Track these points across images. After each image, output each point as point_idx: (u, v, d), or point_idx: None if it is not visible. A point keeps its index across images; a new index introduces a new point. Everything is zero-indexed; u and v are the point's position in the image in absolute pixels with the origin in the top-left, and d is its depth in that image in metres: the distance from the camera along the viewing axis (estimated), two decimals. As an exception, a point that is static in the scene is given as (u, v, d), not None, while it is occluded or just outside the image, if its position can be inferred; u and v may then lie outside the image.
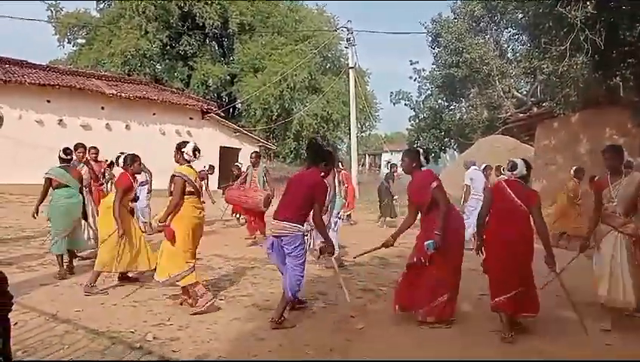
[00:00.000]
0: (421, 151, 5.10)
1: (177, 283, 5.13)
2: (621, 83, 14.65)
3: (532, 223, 4.72)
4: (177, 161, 5.27)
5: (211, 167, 12.65)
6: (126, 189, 5.85)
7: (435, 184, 4.83)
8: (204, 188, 12.26)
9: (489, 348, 4.40)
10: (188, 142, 5.33)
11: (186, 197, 5.08)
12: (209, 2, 27.93)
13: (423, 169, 5.06)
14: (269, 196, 9.25)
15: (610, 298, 4.87)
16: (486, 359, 4.22)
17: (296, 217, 4.70)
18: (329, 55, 31.76)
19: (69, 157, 6.65)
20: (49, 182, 6.50)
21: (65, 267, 6.38)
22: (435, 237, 4.66)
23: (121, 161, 6.21)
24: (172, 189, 5.11)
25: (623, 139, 13.48)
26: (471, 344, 4.49)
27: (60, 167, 6.56)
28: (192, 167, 5.23)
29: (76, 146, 7.49)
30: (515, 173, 4.87)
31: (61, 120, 17.44)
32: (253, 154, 9.88)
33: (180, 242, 5.02)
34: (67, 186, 6.47)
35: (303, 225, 4.73)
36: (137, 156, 6.09)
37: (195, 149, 5.23)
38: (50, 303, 5.13)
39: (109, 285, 5.97)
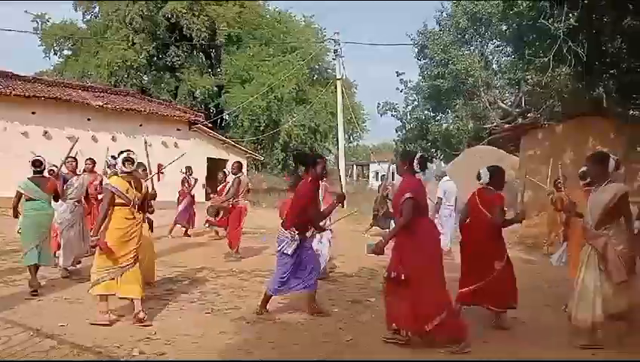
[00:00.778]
0: (417, 155, 4.75)
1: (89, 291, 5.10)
2: (604, 93, 14.88)
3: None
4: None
5: (188, 168, 12.47)
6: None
7: (407, 195, 4.48)
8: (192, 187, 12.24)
9: (485, 354, 4.39)
10: (123, 152, 5.22)
11: (116, 208, 5.03)
12: (196, 13, 28.00)
13: (416, 175, 4.74)
14: (211, 206, 9.27)
15: (578, 318, 4.58)
16: (486, 359, 4.22)
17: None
18: (316, 66, 31.94)
19: (38, 169, 6.54)
20: (19, 194, 6.51)
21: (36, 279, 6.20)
22: (380, 243, 4.62)
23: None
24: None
25: (606, 149, 13.61)
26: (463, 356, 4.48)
27: (30, 178, 6.49)
28: (124, 178, 5.10)
29: (67, 158, 7.45)
30: (480, 181, 5.39)
31: (47, 131, 17.28)
32: (235, 164, 9.90)
33: (116, 247, 4.97)
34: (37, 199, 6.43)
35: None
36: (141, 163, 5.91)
37: (126, 160, 5.12)
38: (34, 318, 5.05)
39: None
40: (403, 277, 4.42)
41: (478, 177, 5.44)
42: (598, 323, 4.47)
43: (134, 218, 5.12)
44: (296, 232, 5.27)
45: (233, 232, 9.25)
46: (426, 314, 4.36)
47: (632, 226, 4.63)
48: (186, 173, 12.30)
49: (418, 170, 4.70)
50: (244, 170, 10.88)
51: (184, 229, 11.91)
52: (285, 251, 5.27)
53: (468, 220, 5.40)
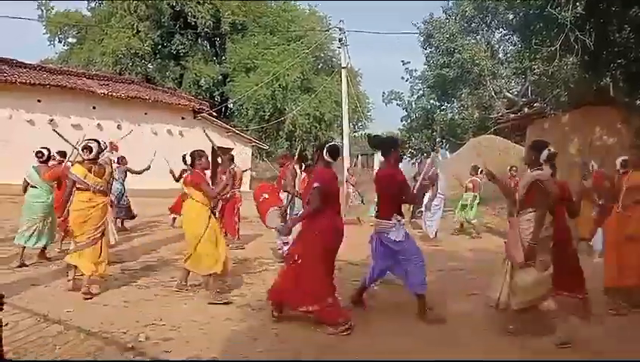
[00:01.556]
0: (327, 146, 4.95)
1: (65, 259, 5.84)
2: (611, 83, 14.77)
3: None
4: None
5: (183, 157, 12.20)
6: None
7: (315, 185, 4.71)
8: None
9: (487, 347, 4.41)
10: (90, 141, 5.81)
11: (77, 192, 5.68)
12: (201, 2, 27.87)
13: (330, 166, 4.94)
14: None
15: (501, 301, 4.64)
16: (485, 359, 4.24)
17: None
18: (321, 55, 31.79)
19: (40, 159, 7.19)
20: (25, 181, 7.16)
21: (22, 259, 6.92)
22: (287, 225, 5.25)
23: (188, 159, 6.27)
24: None
25: (613, 138, 13.59)
26: (469, 342, 4.51)
27: (34, 166, 7.17)
28: (84, 166, 5.69)
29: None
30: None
31: (52, 119, 17.32)
32: (227, 156, 9.95)
33: (74, 227, 5.66)
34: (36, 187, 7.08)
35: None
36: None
37: (85, 148, 5.76)
38: (41, 303, 5.09)
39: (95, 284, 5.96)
40: (297, 258, 4.73)
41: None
42: (518, 308, 4.51)
43: (92, 201, 5.64)
44: (399, 217, 5.09)
45: (229, 220, 9.42)
46: (304, 298, 4.64)
47: (538, 216, 4.45)
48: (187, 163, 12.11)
49: (329, 160, 4.89)
50: (249, 158, 10.88)
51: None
52: (396, 238, 4.99)
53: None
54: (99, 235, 5.66)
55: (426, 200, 9.86)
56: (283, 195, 7.70)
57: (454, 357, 4.22)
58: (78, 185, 5.66)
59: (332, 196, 4.85)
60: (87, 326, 4.49)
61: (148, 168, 10.78)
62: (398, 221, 5.04)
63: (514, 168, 11.17)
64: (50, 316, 4.71)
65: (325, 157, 4.89)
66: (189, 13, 27.81)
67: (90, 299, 5.41)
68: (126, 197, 10.90)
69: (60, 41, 31.28)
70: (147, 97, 20.25)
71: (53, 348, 3.99)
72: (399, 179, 5.06)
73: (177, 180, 10.88)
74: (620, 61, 13.22)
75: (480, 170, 10.88)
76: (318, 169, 4.94)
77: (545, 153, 4.60)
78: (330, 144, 4.99)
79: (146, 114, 20.14)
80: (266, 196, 7.92)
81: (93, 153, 5.72)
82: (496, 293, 4.63)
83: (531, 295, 4.44)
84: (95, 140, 5.89)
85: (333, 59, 31.19)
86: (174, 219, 11.78)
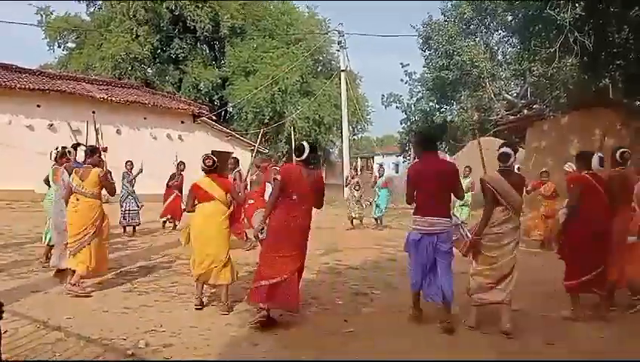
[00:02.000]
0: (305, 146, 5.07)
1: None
2: (610, 84, 14.77)
3: None
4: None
5: (180, 163, 12.12)
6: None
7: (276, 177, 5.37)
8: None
9: (484, 348, 4.40)
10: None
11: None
12: (200, 5, 27.89)
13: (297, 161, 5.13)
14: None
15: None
16: (484, 359, 4.23)
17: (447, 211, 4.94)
18: (320, 58, 31.82)
19: (55, 160, 7.33)
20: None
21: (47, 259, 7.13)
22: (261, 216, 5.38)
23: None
24: None
25: (612, 140, 13.57)
26: (466, 344, 4.49)
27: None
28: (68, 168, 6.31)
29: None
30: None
31: (52, 124, 17.33)
32: (232, 160, 10.01)
33: (68, 229, 6.00)
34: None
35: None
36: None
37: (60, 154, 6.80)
38: (40, 310, 5.07)
39: (97, 291, 5.94)
40: (261, 238, 5.17)
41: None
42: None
43: (75, 204, 5.89)
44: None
45: (236, 225, 9.32)
46: (261, 277, 4.85)
47: (485, 211, 4.86)
48: (178, 167, 12.07)
49: (296, 158, 5.07)
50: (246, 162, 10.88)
51: (168, 221, 11.93)
52: (452, 238, 4.91)
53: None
54: (87, 238, 5.81)
55: None
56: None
57: (454, 357, 4.21)
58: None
59: (292, 188, 4.89)
60: (86, 332, 4.47)
61: (140, 171, 11.17)
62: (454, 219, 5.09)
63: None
64: (50, 323, 4.70)
65: (294, 155, 5.16)
66: (188, 17, 27.84)
67: (77, 296, 5.62)
68: (132, 202, 10.96)
69: (59, 46, 31.34)
70: (146, 102, 20.27)
71: (53, 355, 3.97)
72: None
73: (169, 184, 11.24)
74: (619, 62, 13.22)
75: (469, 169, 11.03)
76: (284, 164, 5.25)
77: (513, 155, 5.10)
78: (297, 143, 5.22)
79: (145, 118, 20.15)
80: (252, 201, 8.55)
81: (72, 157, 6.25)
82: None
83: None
84: (78, 145, 6.52)
85: (333, 62, 31.24)
86: (173, 222, 11.79)
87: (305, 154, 5.00)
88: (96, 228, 5.89)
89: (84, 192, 5.90)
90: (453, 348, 4.43)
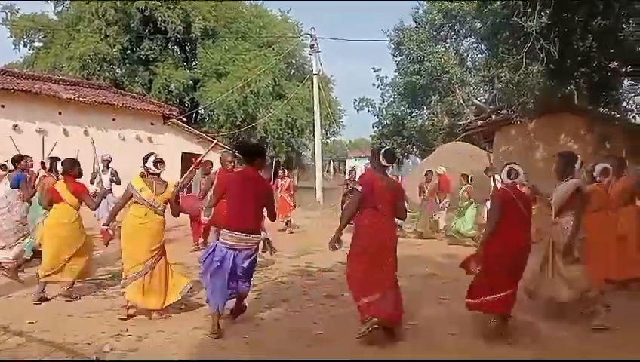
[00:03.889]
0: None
1: None
2: (575, 91, 15.19)
3: None
4: None
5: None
6: None
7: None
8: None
9: (455, 353, 4.45)
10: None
11: None
12: (171, 6, 27.56)
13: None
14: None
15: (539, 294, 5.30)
16: (483, 359, 4.27)
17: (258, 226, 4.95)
18: (293, 61, 31.78)
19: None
20: None
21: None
22: None
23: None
24: None
25: (577, 145, 13.96)
26: (436, 348, 4.54)
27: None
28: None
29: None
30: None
31: (16, 125, 16.87)
32: (209, 165, 9.96)
33: None
34: None
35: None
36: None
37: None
38: (1, 314, 4.94)
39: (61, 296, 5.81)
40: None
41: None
42: (563, 301, 5.07)
43: (144, 221, 5.22)
44: None
45: (197, 227, 9.55)
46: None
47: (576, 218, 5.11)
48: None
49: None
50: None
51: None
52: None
53: None
54: (153, 261, 5.22)
55: None
56: None
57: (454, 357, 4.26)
58: None
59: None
60: (50, 337, 4.37)
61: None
62: None
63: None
64: (11, 327, 4.58)
65: (382, 160, 4.81)
66: (159, 18, 27.46)
67: (40, 303, 5.51)
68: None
69: (25, 45, 30.47)
70: (115, 103, 19.91)
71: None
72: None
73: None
74: (583, 70, 13.59)
75: (470, 177, 10.73)
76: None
77: (579, 162, 5.30)
78: (384, 148, 5.05)
79: (114, 119, 19.80)
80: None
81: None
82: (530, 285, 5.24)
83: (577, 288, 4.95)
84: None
85: (305, 66, 31.23)
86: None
87: (388, 160, 4.79)
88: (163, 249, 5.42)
89: (157, 207, 5.25)
90: (424, 352, 4.47)
